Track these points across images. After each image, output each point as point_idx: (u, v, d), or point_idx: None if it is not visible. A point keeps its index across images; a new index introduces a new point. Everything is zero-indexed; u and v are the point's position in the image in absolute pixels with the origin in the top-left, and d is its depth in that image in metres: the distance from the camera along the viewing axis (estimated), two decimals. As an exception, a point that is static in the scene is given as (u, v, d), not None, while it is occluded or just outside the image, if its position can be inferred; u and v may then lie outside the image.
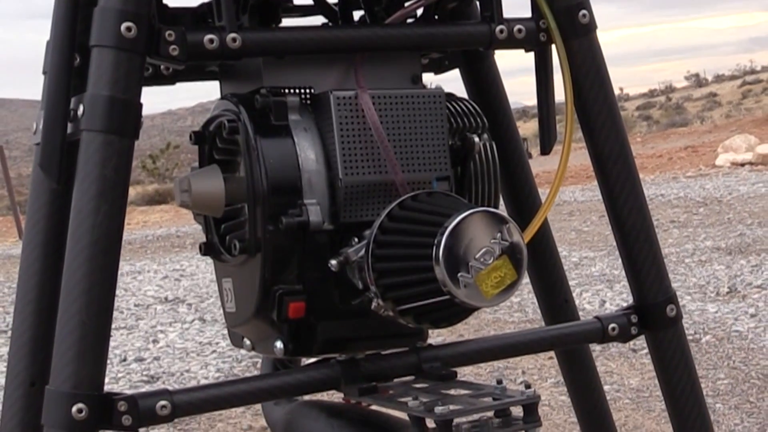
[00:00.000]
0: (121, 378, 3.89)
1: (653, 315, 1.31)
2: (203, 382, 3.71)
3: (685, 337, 1.33)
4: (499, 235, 1.04)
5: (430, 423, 1.04)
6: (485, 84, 1.47)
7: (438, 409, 1.03)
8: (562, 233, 7.68)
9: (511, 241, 1.05)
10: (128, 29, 1.07)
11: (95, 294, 1.07)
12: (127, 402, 1.08)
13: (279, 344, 1.18)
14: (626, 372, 3.18)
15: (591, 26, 1.27)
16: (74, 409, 1.04)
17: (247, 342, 1.26)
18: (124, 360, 4.21)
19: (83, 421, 1.05)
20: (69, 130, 1.14)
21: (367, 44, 1.21)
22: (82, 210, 1.07)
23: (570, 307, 1.52)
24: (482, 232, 1.04)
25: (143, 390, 1.13)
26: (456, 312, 1.09)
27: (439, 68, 1.46)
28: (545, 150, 1.31)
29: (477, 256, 1.03)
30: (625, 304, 2.75)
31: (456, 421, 1.04)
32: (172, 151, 26.28)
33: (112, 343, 4.61)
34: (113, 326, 3.37)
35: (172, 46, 1.11)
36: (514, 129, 1.48)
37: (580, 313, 4.12)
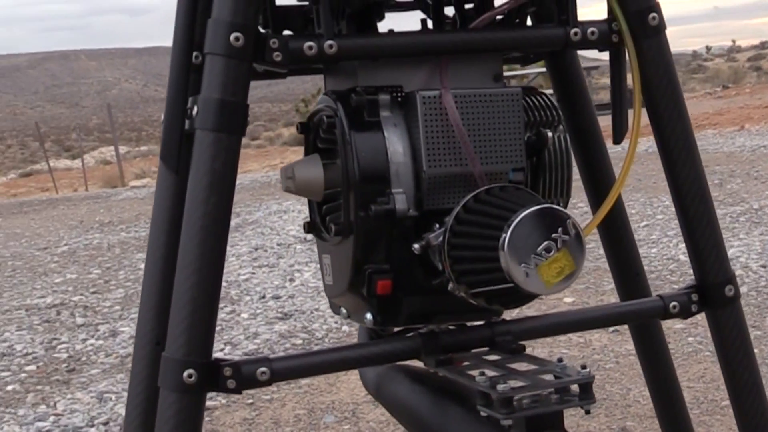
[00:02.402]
0: (258, 314, 3.97)
1: (713, 294, 1.29)
2: (329, 320, 3.78)
3: (743, 315, 1.31)
4: (560, 229, 1.05)
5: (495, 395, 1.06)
6: (567, 75, 1.47)
7: (500, 387, 1.04)
8: (664, 183, 7.52)
9: (571, 236, 1.05)
10: (237, 39, 1.10)
11: (205, 273, 1.10)
12: (232, 368, 1.11)
13: (369, 316, 1.21)
14: (710, 325, 3.12)
15: (660, 27, 1.25)
16: (185, 374, 1.08)
17: (344, 311, 1.29)
18: (263, 297, 4.28)
19: (193, 385, 1.09)
20: (186, 126, 1.17)
21: (452, 47, 1.21)
22: (194, 199, 1.10)
23: (641, 280, 1.51)
24: (545, 226, 1.04)
25: (247, 357, 1.17)
26: (522, 296, 1.09)
27: (525, 61, 1.47)
28: (617, 140, 1.30)
29: (539, 249, 1.04)
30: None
31: (518, 395, 1.05)
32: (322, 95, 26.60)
33: (254, 281, 4.73)
34: (257, 264, 3.48)
35: (276, 53, 1.13)
36: (592, 115, 1.48)
37: (674, 264, 4.07)
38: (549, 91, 1.43)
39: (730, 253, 4.33)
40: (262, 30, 1.29)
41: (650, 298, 1.33)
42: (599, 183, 1.47)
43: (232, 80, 1.11)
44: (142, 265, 5.79)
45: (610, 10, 1.25)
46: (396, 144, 1.17)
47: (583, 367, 1.09)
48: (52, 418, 2.82)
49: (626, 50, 1.26)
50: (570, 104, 1.47)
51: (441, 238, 1.11)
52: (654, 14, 1.24)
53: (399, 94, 1.20)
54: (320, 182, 1.22)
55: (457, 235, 1.09)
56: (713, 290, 1.29)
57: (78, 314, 4.42)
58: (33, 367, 3.52)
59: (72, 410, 2.89)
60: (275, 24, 1.30)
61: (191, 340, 1.09)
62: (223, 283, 4.66)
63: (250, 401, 2.81)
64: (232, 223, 7.57)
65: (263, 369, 1.12)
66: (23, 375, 3.44)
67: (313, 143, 1.27)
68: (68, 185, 18.32)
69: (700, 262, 1.30)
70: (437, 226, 1.15)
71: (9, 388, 3.28)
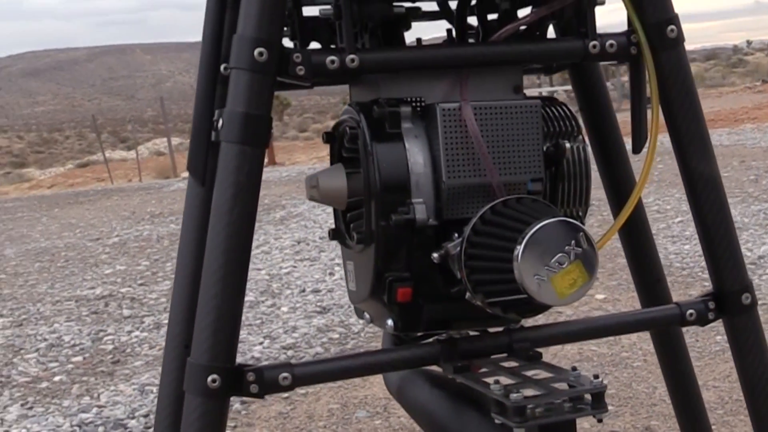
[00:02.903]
0: (298, 308, 3.98)
1: (729, 302, 1.28)
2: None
3: (760, 323, 1.30)
4: (573, 242, 1.04)
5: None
6: (589, 85, 1.47)
7: (513, 396, 1.04)
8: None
9: (584, 249, 1.04)
10: (260, 54, 1.10)
11: (229, 281, 1.11)
12: (255, 373, 1.12)
13: (390, 322, 1.21)
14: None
15: (678, 40, 1.24)
16: (209, 379, 1.09)
17: (367, 316, 1.30)
18: (303, 291, 4.30)
19: (217, 390, 1.10)
20: (213, 138, 1.18)
21: (472, 60, 1.21)
22: (219, 209, 1.11)
23: (662, 287, 1.50)
24: (558, 239, 1.04)
25: (269, 362, 1.18)
26: (538, 306, 1.09)
27: (549, 71, 1.46)
28: (636, 149, 1.30)
29: (552, 260, 1.04)
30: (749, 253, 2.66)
31: (531, 403, 1.05)
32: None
33: (295, 274, 4.75)
34: (299, 257, 3.50)
35: (299, 67, 1.13)
36: (614, 123, 1.48)
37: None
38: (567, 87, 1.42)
39: (761, 250, 4.28)
40: (290, 42, 1.31)
41: (667, 306, 1.32)
42: (620, 191, 1.47)
43: (256, 94, 1.12)
44: (189, 258, 5.89)
45: (630, 23, 1.24)
46: (417, 155, 1.17)
47: (596, 376, 1.09)
48: (95, 410, 2.85)
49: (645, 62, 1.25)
50: (592, 112, 1.47)
51: (459, 248, 1.11)
52: (672, 26, 1.23)
53: (420, 106, 1.20)
54: (343, 191, 1.22)
55: (474, 245, 1.09)
56: (730, 298, 1.28)
57: (125, 306, 4.46)
58: (80, 359, 3.57)
59: (114, 402, 2.92)
60: (303, 35, 1.30)
61: (215, 346, 1.10)
62: (266, 276, 4.71)
63: (286, 396, 2.82)
64: (278, 215, 7.62)
65: (285, 374, 1.13)
66: (70, 366, 3.48)
67: (338, 153, 1.28)
68: (123, 176, 18.53)
69: (718, 271, 1.29)
70: (456, 235, 1.15)
71: (56, 378, 3.33)
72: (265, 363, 1.18)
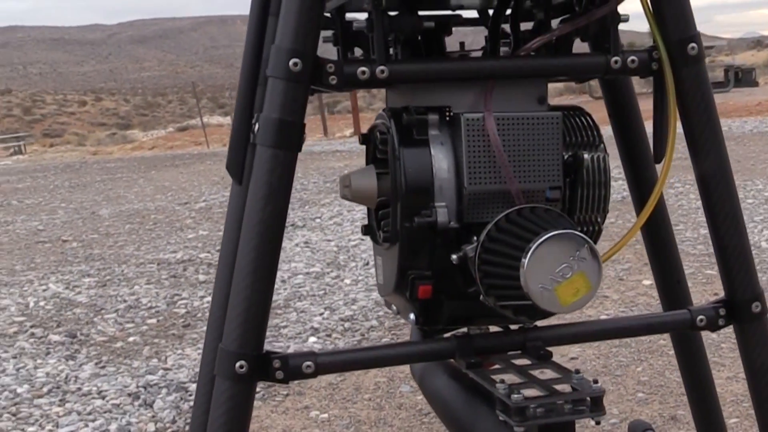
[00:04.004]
0: (360, 281, 4.01)
1: (740, 310, 1.28)
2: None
3: (768, 331, 1.29)
4: (577, 253, 1.05)
5: (514, 402, 1.07)
6: (619, 92, 1.46)
7: (514, 397, 1.06)
8: (762, 166, 7.27)
9: (587, 260, 1.05)
10: (295, 64, 1.12)
11: (259, 274, 1.13)
12: (281, 360, 1.15)
13: (412, 316, 1.24)
14: None
15: (699, 57, 1.23)
16: (237, 364, 1.13)
17: (394, 308, 1.32)
18: (366, 264, 4.32)
19: (244, 375, 1.13)
20: (251, 140, 1.21)
21: (496, 73, 1.21)
22: (252, 207, 1.14)
23: (682, 288, 1.49)
24: (562, 250, 1.05)
25: (294, 351, 1.21)
26: (545, 311, 1.10)
27: (579, 79, 1.46)
28: (658, 159, 1.30)
29: (556, 270, 1.05)
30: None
31: (533, 404, 1.07)
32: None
33: (362, 247, 4.78)
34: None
35: (332, 77, 1.15)
36: (641, 130, 1.47)
37: (755, 251, 3.96)
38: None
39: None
40: (333, 47, 1.33)
41: (678, 311, 1.32)
42: (645, 195, 1.46)
43: (290, 101, 1.14)
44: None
45: (654, 39, 1.24)
46: (441, 161, 1.18)
47: (595, 381, 1.09)
48: (160, 372, 2.92)
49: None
50: (620, 120, 1.46)
51: (474, 252, 1.12)
52: (693, 44, 1.22)
53: (447, 115, 1.21)
54: (374, 191, 1.24)
55: (488, 251, 1.11)
56: (740, 306, 1.28)
57: (201, 271, 4.54)
58: (154, 321, 3.65)
59: (179, 365, 2.99)
60: (345, 41, 1.32)
61: (244, 335, 1.13)
62: (334, 248, 4.75)
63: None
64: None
65: (309, 363, 1.16)
66: (144, 327, 3.56)
67: (373, 153, 1.30)
68: (219, 140, 18.76)
69: (729, 279, 1.28)
70: (474, 238, 1.16)
71: (131, 339, 3.41)
72: (291, 351, 1.21)
